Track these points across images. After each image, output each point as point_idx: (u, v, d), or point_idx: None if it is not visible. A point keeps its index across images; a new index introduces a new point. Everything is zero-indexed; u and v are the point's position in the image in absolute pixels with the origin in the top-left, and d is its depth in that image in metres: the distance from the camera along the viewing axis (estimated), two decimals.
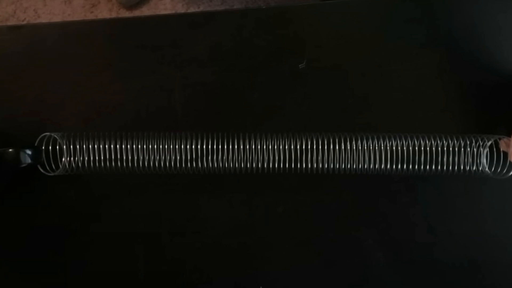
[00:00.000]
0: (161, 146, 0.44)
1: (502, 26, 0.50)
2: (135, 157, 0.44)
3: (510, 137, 0.44)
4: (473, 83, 0.50)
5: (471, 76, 0.50)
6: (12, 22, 1.29)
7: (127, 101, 0.51)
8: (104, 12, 1.28)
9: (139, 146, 0.44)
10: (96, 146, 0.44)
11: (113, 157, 0.44)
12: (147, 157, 0.44)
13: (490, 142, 0.44)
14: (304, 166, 0.44)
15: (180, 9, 1.26)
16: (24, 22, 1.27)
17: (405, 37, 0.51)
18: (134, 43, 0.53)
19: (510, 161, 0.44)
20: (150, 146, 0.44)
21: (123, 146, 0.44)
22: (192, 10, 1.26)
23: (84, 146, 0.44)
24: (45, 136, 0.45)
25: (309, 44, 0.51)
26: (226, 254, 0.50)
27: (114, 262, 0.50)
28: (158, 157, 0.44)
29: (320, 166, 0.44)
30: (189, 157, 0.44)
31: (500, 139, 0.45)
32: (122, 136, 0.44)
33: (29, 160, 0.45)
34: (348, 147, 0.44)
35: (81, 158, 0.44)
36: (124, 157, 0.44)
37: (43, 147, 0.45)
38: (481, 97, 0.49)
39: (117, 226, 0.50)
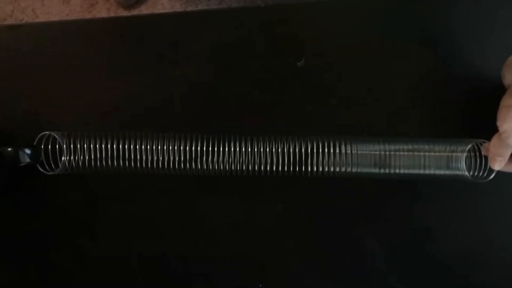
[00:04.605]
0: (160, 146, 0.44)
1: (494, 28, 0.50)
2: (135, 157, 0.44)
3: (492, 141, 0.42)
4: (461, 86, 0.49)
5: (459, 80, 0.49)
6: (10, 22, 1.28)
7: (126, 100, 0.51)
8: (102, 12, 1.28)
9: (138, 146, 0.44)
10: (94, 145, 0.44)
11: (112, 156, 0.44)
12: (147, 157, 0.44)
13: (469, 147, 0.44)
14: (298, 169, 0.44)
15: (178, 8, 1.26)
16: (23, 22, 1.26)
17: (403, 36, 0.51)
18: (133, 42, 0.53)
19: (489, 166, 0.42)
20: (149, 146, 0.44)
21: (122, 146, 0.44)
22: (190, 9, 1.25)
23: (83, 145, 0.44)
24: (44, 135, 0.45)
25: (308, 42, 0.51)
26: (225, 252, 0.50)
27: (113, 261, 0.50)
28: (157, 157, 0.44)
29: (304, 170, 0.44)
30: (188, 158, 0.45)
31: (481, 143, 0.44)
32: (121, 136, 0.44)
33: (28, 159, 0.45)
34: (332, 151, 0.44)
35: (80, 157, 0.44)
36: (123, 156, 0.44)
37: (42, 146, 0.45)
38: (468, 100, 0.49)
39: (116, 226, 0.50)
